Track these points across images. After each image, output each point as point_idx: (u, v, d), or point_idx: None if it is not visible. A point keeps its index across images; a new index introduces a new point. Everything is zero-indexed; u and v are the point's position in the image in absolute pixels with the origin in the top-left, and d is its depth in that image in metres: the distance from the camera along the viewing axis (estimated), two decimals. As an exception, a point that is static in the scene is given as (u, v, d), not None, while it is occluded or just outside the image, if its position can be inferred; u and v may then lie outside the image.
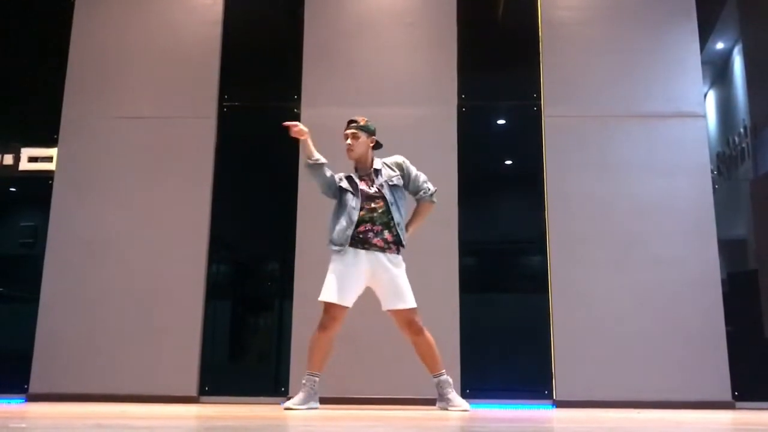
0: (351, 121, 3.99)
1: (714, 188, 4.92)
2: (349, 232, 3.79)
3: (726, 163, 5.10)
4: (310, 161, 3.90)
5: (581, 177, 4.93)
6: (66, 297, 4.86)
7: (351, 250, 3.80)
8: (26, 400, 4.69)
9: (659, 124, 5.00)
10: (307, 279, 4.81)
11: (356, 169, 3.99)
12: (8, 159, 5.18)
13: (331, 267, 3.82)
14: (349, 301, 3.77)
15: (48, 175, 5.10)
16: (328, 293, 3.76)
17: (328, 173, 3.92)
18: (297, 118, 5.10)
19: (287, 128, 3.93)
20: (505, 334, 4.81)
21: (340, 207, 3.90)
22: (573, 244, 4.83)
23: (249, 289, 5.17)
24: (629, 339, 4.66)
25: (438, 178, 5.00)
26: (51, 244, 4.96)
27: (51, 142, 5.15)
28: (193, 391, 4.72)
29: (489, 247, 5.09)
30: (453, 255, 4.83)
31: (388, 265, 3.81)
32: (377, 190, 3.89)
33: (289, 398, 4.53)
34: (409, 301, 3.79)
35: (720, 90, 5.23)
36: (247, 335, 5.06)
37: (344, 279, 3.76)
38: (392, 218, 3.86)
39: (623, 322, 4.69)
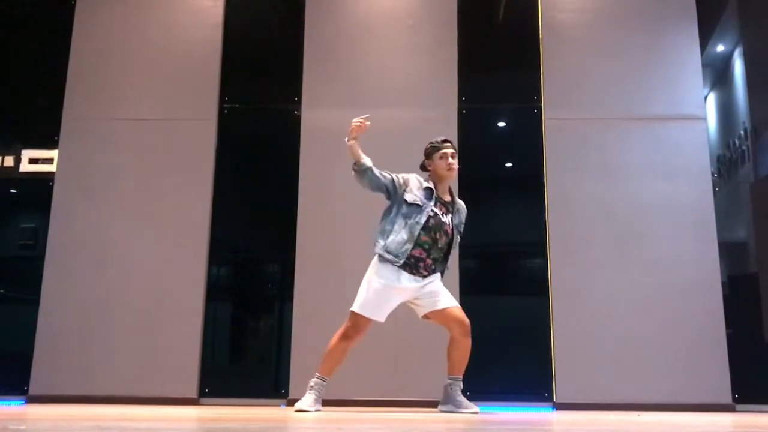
0: (448, 141, 3.88)
1: (714, 191, 4.92)
2: (408, 246, 3.65)
3: (726, 165, 5.10)
4: (357, 166, 3.70)
5: (582, 179, 4.93)
6: (66, 299, 4.86)
7: (397, 270, 3.67)
8: (26, 402, 4.68)
9: (660, 126, 5.01)
10: (307, 281, 4.81)
11: (436, 186, 3.82)
12: (9, 161, 5.18)
13: (373, 279, 3.69)
14: (382, 317, 3.72)
15: (48, 177, 5.09)
16: (364, 307, 3.67)
17: (377, 173, 3.72)
18: (297, 120, 5.12)
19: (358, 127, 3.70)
20: (505, 336, 4.81)
21: (401, 216, 3.70)
22: (573, 246, 4.83)
23: (249, 290, 5.16)
24: (629, 341, 4.66)
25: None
26: (51, 246, 4.96)
27: (51, 144, 5.15)
28: (193, 393, 4.71)
29: (489, 250, 5.09)
30: (453, 257, 4.81)
31: (428, 279, 3.75)
32: (450, 226, 3.79)
33: (289, 400, 4.55)
34: (455, 301, 3.81)
35: (720, 93, 5.24)
36: (248, 337, 5.05)
37: (384, 296, 3.67)
38: (446, 258, 3.83)
39: (623, 324, 4.69)
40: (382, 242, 3.71)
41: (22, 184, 5.18)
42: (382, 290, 3.67)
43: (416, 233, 3.66)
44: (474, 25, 5.26)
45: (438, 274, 3.82)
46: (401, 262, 3.66)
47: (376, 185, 3.75)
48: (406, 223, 3.69)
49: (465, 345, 3.76)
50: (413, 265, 3.70)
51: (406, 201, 3.72)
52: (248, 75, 5.31)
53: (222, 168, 5.09)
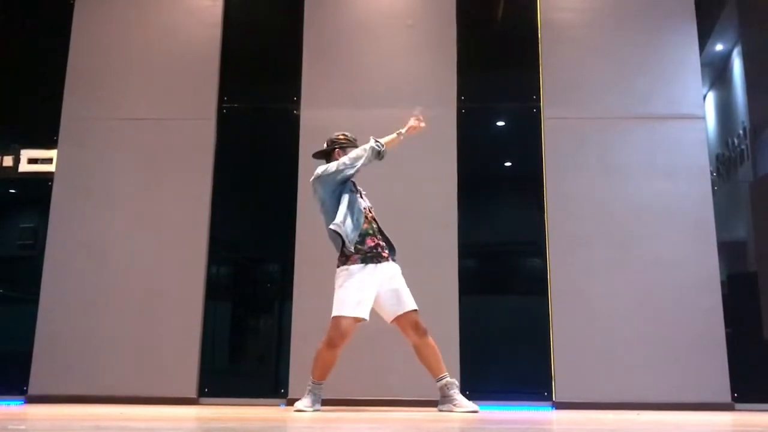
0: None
1: (713, 190, 4.92)
2: (356, 234, 3.77)
3: (725, 164, 5.10)
4: (383, 151, 3.86)
5: (581, 179, 4.93)
6: (65, 298, 4.86)
7: (362, 266, 3.76)
8: (25, 402, 4.68)
9: (659, 125, 5.01)
10: (307, 280, 4.82)
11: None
12: (8, 161, 5.17)
13: (344, 284, 3.75)
14: (365, 313, 3.73)
15: (47, 177, 5.09)
16: (348, 308, 3.70)
17: None
18: (296, 119, 5.12)
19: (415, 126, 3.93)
20: (504, 335, 4.81)
21: (348, 205, 3.82)
22: (572, 245, 4.83)
23: (249, 290, 5.16)
24: (629, 340, 4.66)
25: (437, 179, 5.01)
26: (50, 246, 4.95)
27: (50, 144, 5.14)
28: (192, 393, 4.71)
29: (488, 249, 5.09)
30: (452, 257, 4.83)
31: (392, 272, 3.84)
32: (369, 208, 3.98)
33: (289, 400, 4.55)
34: (413, 303, 3.81)
35: (719, 92, 5.24)
36: (247, 337, 5.05)
37: (361, 291, 3.72)
38: (385, 236, 3.94)
39: (623, 323, 4.69)
40: (349, 239, 3.75)
41: (22, 184, 5.18)
42: (356, 287, 3.73)
43: (362, 221, 3.83)
44: (473, 24, 5.26)
45: (398, 267, 3.89)
46: (352, 246, 3.76)
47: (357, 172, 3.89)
48: (352, 212, 3.82)
49: (427, 345, 3.79)
50: (377, 255, 3.81)
51: (350, 189, 3.88)
52: (247, 74, 5.31)
53: (221, 167, 5.09)
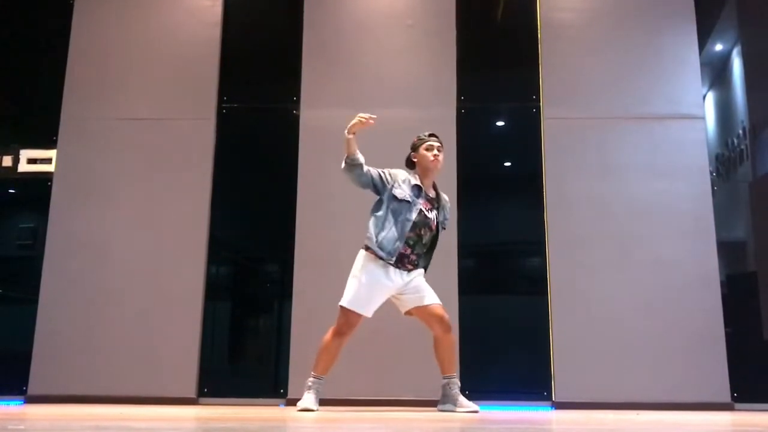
0: (434, 135, 3.94)
1: (713, 190, 4.93)
2: (399, 244, 3.69)
3: (725, 164, 5.10)
4: (349, 160, 3.72)
5: (580, 178, 4.94)
6: (65, 298, 4.86)
7: (377, 260, 3.71)
8: (25, 402, 4.68)
9: (658, 125, 5.01)
10: (306, 280, 4.82)
11: (421, 181, 3.86)
12: (7, 161, 5.17)
13: (361, 274, 3.71)
14: (370, 313, 3.74)
15: (47, 177, 5.09)
16: (354, 302, 3.69)
17: (365, 170, 3.75)
18: (296, 120, 5.12)
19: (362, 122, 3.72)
20: (504, 335, 4.81)
21: (390, 212, 3.73)
22: (572, 245, 4.83)
23: (248, 290, 5.16)
24: (628, 340, 4.67)
25: (437, 179, 5.00)
26: (50, 246, 4.95)
27: (50, 144, 5.14)
28: (192, 393, 4.71)
29: (488, 249, 5.09)
30: (452, 256, 4.83)
31: (411, 275, 3.80)
32: (434, 222, 3.84)
33: (288, 400, 4.55)
34: (437, 298, 3.81)
35: (719, 92, 5.24)
36: (246, 337, 5.05)
37: (373, 291, 3.70)
38: (429, 253, 3.89)
39: (622, 323, 4.70)
40: (374, 237, 3.73)
41: (21, 184, 5.18)
42: (370, 285, 3.70)
43: (406, 230, 3.71)
44: (473, 24, 5.26)
45: (422, 270, 3.87)
46: (393, 260, 3.69)
47: (365, 182, 3.79)
48: (396, 220, 3.73)
49: (448, 341, 3.78)
50: (398, 260, 3.74)
51: (395, 197, 3.76)
52: (247, 74, 5.31)
53: (221, 167, 5.09)
